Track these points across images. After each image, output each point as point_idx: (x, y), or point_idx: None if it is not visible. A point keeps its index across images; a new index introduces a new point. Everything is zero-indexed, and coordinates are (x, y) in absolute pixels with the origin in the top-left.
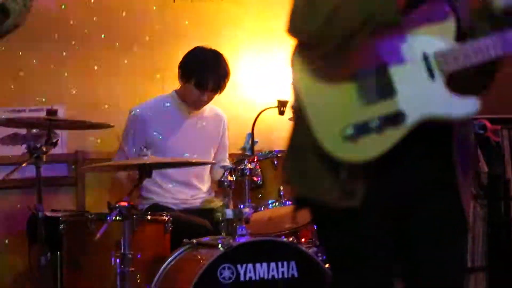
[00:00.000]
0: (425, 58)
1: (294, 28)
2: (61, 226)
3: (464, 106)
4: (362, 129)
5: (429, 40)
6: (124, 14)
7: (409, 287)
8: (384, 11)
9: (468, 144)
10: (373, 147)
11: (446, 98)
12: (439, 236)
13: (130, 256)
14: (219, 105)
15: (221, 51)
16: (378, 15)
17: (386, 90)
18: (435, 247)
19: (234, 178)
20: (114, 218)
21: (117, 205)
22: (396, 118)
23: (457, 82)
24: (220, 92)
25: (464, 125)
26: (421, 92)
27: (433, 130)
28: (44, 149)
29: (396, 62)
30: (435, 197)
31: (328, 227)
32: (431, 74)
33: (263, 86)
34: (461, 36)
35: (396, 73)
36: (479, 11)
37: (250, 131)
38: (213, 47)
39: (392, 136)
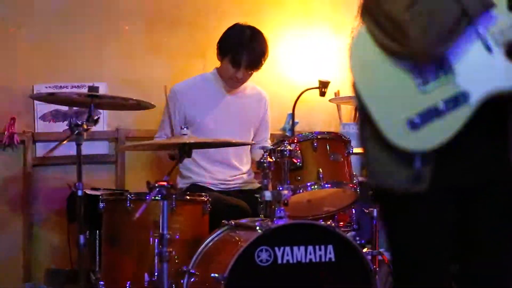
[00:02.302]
0: (481, 33)
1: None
2: (101, 205)
3: None
4: (426, 117)
5: (484, 15)
6: None
7: (465, 273)
8: (474, 4)
9: None
10: (440, 132)
11: (507, 70)
12: (500, 223)
13: (169, 236)
14: (260, 84)
15: (262, 31)
16: (470, 10)
17: (445, 71)
18: (495, 235)
19: (274, 159)
20: (153, 197)
21: (156, 185)
22: (459, 99)
23: None
24: (257, 70)
25: None
26: (481, 69)
27: (491, 110)
28: (85, 126)
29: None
30: (497, 183)
31: (397, 213)
32: (488, 48)
33: (304, 67)
34: None
35: (454, 54)
36: None
37: (290, 112)
38: (255, 26)
39: (458, 118)
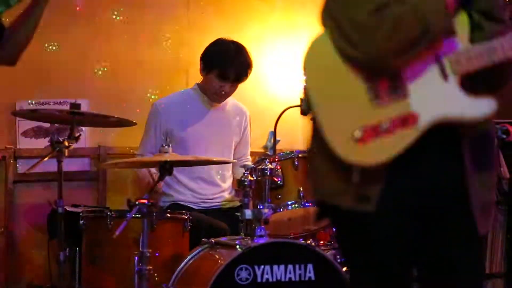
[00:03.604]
0: (439, 60)
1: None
2: (81, 222)
3: (479, 107)
4: (373, 132)
5: (445, 42)
6: (149, 8)
7: None
8: (438, 21)
9: (488, 143)
10: (384, 150)
11: (459, 99)
12: (454, 242)
13: (148, 254)
14: (243, 101)
15: (246, 46)
16: (433, 25)
17: (399, 91)
18: (450, 253)
19: (254, 177)
20: (133, 215)
21: (136, 203)
22: (408, 120)
23: (473, 83)
24: (241, 82)
25: (483, 124)
26: (434, 94)
27: (446, 131)
28: (66, 143)
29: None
30: (448, 203)
31: (346, 230)
32: (444, 75)
33: (287, 84)
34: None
35: (410, 75)
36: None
37: (272, 129)
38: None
39: (404, 138)
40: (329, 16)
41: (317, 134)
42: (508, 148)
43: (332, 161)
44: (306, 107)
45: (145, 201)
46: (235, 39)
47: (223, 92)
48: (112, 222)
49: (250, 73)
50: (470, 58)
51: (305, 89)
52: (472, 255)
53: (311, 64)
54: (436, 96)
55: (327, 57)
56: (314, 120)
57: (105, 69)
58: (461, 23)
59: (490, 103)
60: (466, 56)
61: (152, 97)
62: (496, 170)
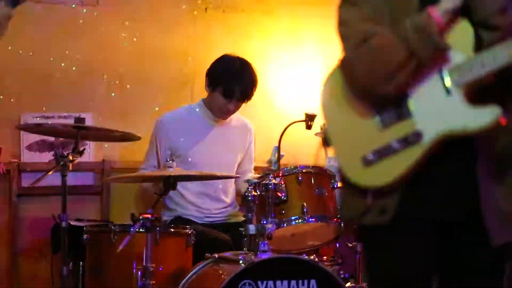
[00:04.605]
0: (441, 74)
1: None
2: (85, 236)
3: (481, 117)
4: (380, 154)
5: (447, 55)
6: (155, 22)
7: None
8: (424, 43)
9: None
10: (391, 170)
11: (462, 112)
12: (470, 253)
13: (152, 269)
14: (248, 116)
15: (251, 61)
16: (419, 48)
17: (403, 111)
18: (467, 264)
19: (258, 192)
20: (137, 230)
21: (140, 217)
22: (412, 138)
23: (479, 93)
24: (247, 101)
25: (506, 133)
26: (437, 109)
27: (460, 144)
28: (71, 157)
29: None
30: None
31: (369, 244)
32: (447, 90)
33: (292, 99)
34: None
35: (414, 93)
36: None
37: (277, 144)
38: (243, 57)
39: (410, 156)
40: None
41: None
42: None
43: (349, 185)
44: (325, 138)
45: (149, 215)
46: (241, 54)
47: (227, 109)
48: (115, 237)
49: (255, 91)
50: (471, 68)
51: (324, 119)
52: (490, 265)
53: (326, 94)
54: (439, 112)
55: (341, 87)
56: None
57: (111, 83)
58: (464, 34)
59: (493, 111)
60: (468, 67)
61: (157, 111)
62: None
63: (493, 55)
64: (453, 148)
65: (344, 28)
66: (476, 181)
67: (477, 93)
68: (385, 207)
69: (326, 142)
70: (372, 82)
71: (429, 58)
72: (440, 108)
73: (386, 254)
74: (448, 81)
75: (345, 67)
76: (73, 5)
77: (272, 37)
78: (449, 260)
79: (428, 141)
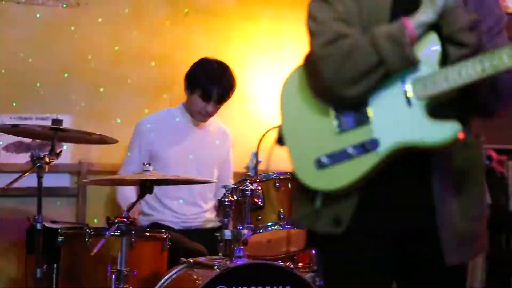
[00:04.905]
0: (404, 85)
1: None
2: (59, 239)
3: (440, 132)
4: (334, 158)
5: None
6: (135, 25)
7: None
8: (395, 52)
9: (472, 171)
10: (344, 175)
11: (422, 124)
12: (423, 269)
13: (126, 272)
14: (226, 121)
15: (231, 67)
16: (389, 56)
17: (362, 118)
18: (419, 279)
19: (235, 198)
20: (112, 233)
21: (116, 221)
22: (368, 145)
23: (440, 107)
24: (224, 102)
25: (466, 149)
26: (396, 119)
27: (417, 156)
28: (47, 159)
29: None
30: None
31: (323, 253)
32: (409, 101)
33: (271, 105)
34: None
35: (374, 100)
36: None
37: (255, 150)
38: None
39: (365, 164)
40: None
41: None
42: (491, 174)
43: (302, 188)
44: (280, 137)
45: (124, 219)
46: (220, 58)
47: (206, 112)
48: (90, 240)
49: (233, 93)
50: (435, 82)
51: (280, 119)
52: (442, 284)
53: (285, 94)
54: (399, 122)
55: (301, 88)
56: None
57: (91, 85)
58: (432, 47)
59: (453, 127)
60: (432, 80)
61: (137, 114)
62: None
63: (459, 72)
64: (411, 159)
65: (315, 25)
66: (433, 195)
67: (438, 107)
68: (339, 217)
69: (280, 141)
70: (337, 83)
71: (397, 68)
72: (399, 118)
73: (340, 265)
74: (410, 93)
75: (311, 64)
76: (53, 6)
77: (252, 41)
78: (405, 272)
79: (384, 151)
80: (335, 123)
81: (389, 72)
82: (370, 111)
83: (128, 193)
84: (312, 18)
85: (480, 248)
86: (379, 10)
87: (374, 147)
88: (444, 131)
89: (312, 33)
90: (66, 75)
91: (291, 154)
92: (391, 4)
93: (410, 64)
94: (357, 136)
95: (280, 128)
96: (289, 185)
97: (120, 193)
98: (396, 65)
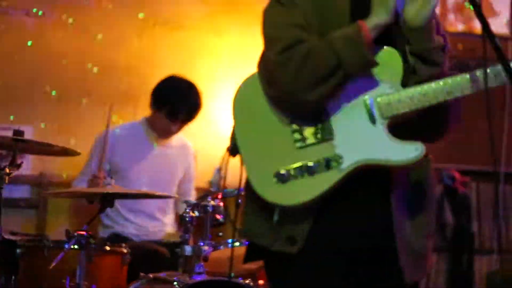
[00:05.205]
0: (367, 102)
1: (271, 79)
2: (18, 251)
3: (405, 152)
4: (295, 173)
5: (374, 84)
6: (101, 37)
7: None
8: (352, 56)
9: (425, 189)
10: (305, 191)
11: (386, 143)
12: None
13: (85, 287)
14: (191, 136)
15: (197, 81)
16: (346, 59)
17: (324, 133)
18: None
19: (197, 214)
20: (71, 246)
21: (75, 234)
22: (331, 162)
23: (403, 128)
24: (190, 122)
25: (420, 168)
26: (360, 137)
27: (378, 174)
28: (7, 170)
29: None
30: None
31: (274, 271)
32: (372, 118)
33: None
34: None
35: (336, 116)
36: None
37: (219, 166)
38: (190, 76)
39: (326, 180)
40: (261, 57)
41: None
42: (454, 195)
43: (258, 202)
44: (233, 147)
45: (84, 232)
46: (187, 73)
47: (171, 131)
48: (49, 252)
49: (199, 113)
50: (400, 102)
51: (233, 128)
52: None
53: (240, 104)
54: (362, 139)
55: (256, 97)
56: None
57: (54, 95)
58: (395, 65)
59: (418, 148)
60: (397, 99)
61: (99, 126)
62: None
63: (425, 93)
64: (369, 176)
65: (272, 31)
66: (391, 212)
67: (396, 125)
68: (295, 235)
69: (233, 151)
70: (296, 88)
71: (356, 70)
72: (363, 136)
73: (293, 285)
74: (374, 111)
75: (268, 71)
76: (18, 16)
77: (220, 56)
78: None
79: (347, 168)
80: (296, 135)
81: (348, 74)
82: (333, 126)
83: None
84: (268, 24)
85: (429, 267)
86: (339, 16)
87: (337, 163)
88: (410, 152)
89: (269, 39)
90: (29, 86)
91: (248, 167)
92: (350, 10)
93: (368, 66)
94: (320, 151)
95: (233, 138)
96: None
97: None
98: (354, 67)
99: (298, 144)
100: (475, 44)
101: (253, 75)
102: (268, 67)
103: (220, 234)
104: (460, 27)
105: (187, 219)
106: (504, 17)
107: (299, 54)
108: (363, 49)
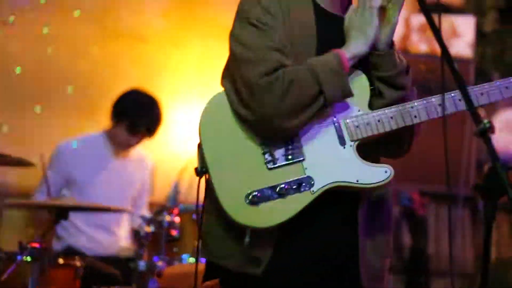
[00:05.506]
0: (336, 124)
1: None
2: None
3: (374, 174)
4: (267, 195)
5: (343, 107)
6: (64, 44)
7: None
8: (332, 82)
9: (384, 210)
10: (278, 213)
11: (355, 166)
12: None
13: None
14: (150, 149)
15: (158, 94)
16: (327, 86)
17: (295, 154)
18: None
19: (152, 229)
20: (24, 258)
21: (28, 246)
22: (302, 184)
23: (370, 150)
24: (150, 137)
25: (379, 189)
26: (330, 159)
27: (341, 195)
28: None
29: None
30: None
31: None
32: (341, 140)
33: (196, 136)
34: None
35: (307, 139)
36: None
37: (176, 180)
38: (151, 89)
39: (297, 202)
40: (227, 76)
41: (211, 194)
42: (412, 216)
43: (223, 222)
44: (200, 167)
45: (37, 244)
46: (148, 85)
47: (129, 145)
48: (1, 264)
49: (159, 128)
50: (369, 124)
51: (200, 148)
52: None
53: (207, 125)
54: (332, 162)
55: (224, 117)
56: (208, 180)
57: (11, 105)
58: (362, 88)
59: (387, 171)
60: (365, 122)
61: (58, 136)
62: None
63: (392, 115)
64: (338, 196)
65: (251, 53)
66: (354, 235)
67: (363, 146)
68: (260, 257)
69: (200, 173)
70: (276, 114)
71: (336, 100)
72: (333, 158)
73: None
74: (343, 133)
75: (247, 94)
76: None
77: (181, 70)
78: None
79: (318, 190)
80: (267, 157)
81: (327, 103)
82: (304, 148)
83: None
84: (242, 44)
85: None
86: (308, 41)
87: (308, 186)
88: (379, 174)
89: (247, 61)
90: None
91: (218, 189)
92: (317, 34)
93: (346, 96)
94: (291, 173)
95: (201, 159)
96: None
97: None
98: (334, 96)
99: (269, 165)
100: (438, 65)
101: (218, 95)
102: (248, 90)
103: (175, 249)
104: (423, 48)
105: (141, 233)
106: (467, 39)
107: (282, 80)
108: (344, 80)
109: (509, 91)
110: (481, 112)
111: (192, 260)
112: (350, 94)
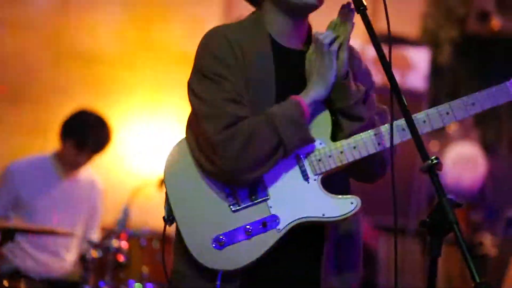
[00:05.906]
0: (299, 160)
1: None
2: None
3: (340, 207)
4: (233, 237)
5: None
6: (16, 62)
7: None
8: (292, 131)
9: (353, 244)
10: (245, 255)
11: (320, 200)
12: None
13: None
14: (99, 171)
15: (110, 116)
16: (287, 136)
17: (259, 194)
18: None
19: (98, 254)
20: None
21: None
22: (268, 223)
23: (335, 182)
24: (98, 154)
25: (347, 223)
26: (295, 196)
27: (308, 230)
28: None
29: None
30: None
31: None
32: (305, 176)
33: (147, 159)
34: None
35: (270, 177)
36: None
37: (127, 204)
38: (102, 111)
39: (264, 242)
40: (190, 126)
41: (177, 232)
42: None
43: (194, 266)
44: (167, 214)
45: None
46: (100, 107)
47: (77, 162)
48: None
49: (107, 146)
50: (331, 156)
51: (166, 195)
52: None
53: (171, 172)
54: (297, 198)
55: (188, 164)
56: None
57: None
58: (324, 120)
59: (353, 202)
60: (327, 155)
61: (8, 157)
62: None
63: (355, 145)
64: (303, 231)
65: (208, 108)
66: (320, 267)
67: (328, 178)
68: None
69: (169, 220)
70: (237, 168)
71: (296, 148)
72: (297, 194)
73: None
74: (306, 168)
75: (208, 149)
76: None
77: (133, 92)
78: None
79: (284, 228)
80: (231, 200)
81: (288, 152)
82: (267, 186)
83: None
84: (198, 98)
85: None
86: (265, 86)
87: (274, 224)
88: (345, 207)
89: (205, 116)
90: None
91: (185, 236)
92: (275, 72)
93: (308, 143)
94: (256, 213)
95: (168, 206)
96: (156, 244)
97: None
98: (295, 146)
99: (233, 208)
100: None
101: (181, 141)
102: (208, 146)
103: (122, 275)
104: (377, 79)
105: (88, 258)
106: (422, 71)
107: (241, 134)
108: (304, 128)
109: (475, 107)
110: (435, 145)
111: (138, 286)
112: (311, 141)
